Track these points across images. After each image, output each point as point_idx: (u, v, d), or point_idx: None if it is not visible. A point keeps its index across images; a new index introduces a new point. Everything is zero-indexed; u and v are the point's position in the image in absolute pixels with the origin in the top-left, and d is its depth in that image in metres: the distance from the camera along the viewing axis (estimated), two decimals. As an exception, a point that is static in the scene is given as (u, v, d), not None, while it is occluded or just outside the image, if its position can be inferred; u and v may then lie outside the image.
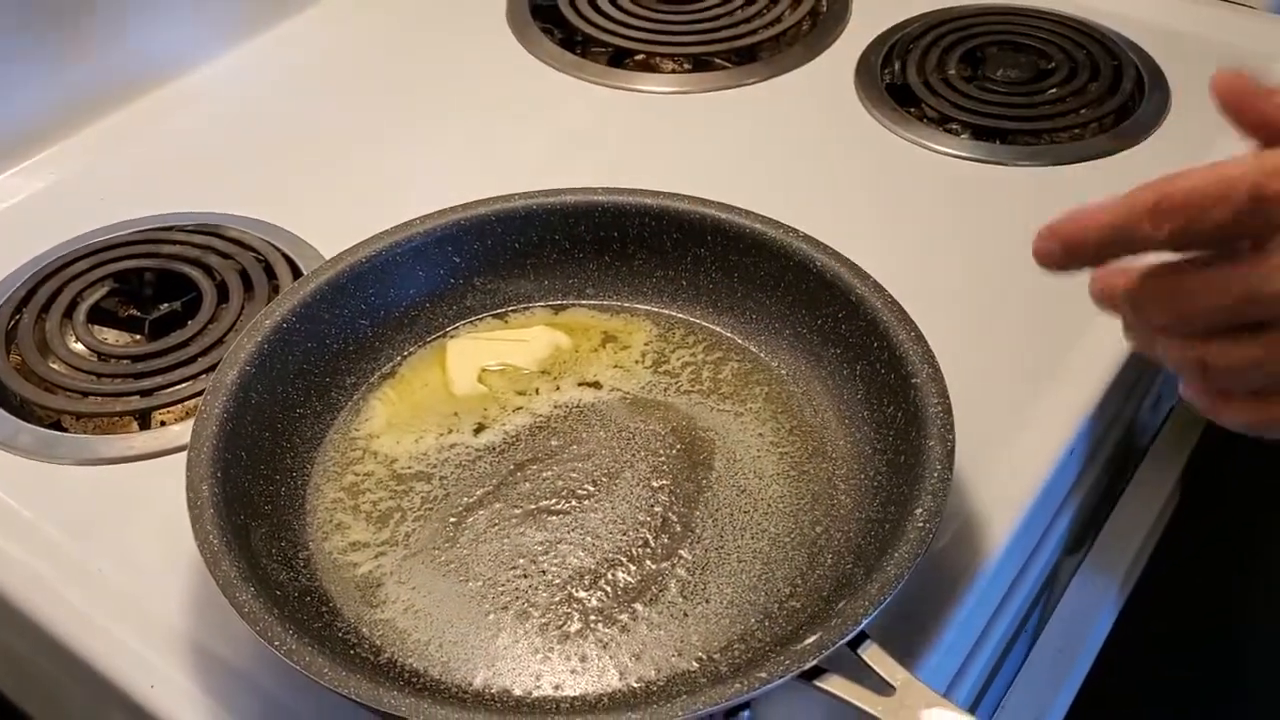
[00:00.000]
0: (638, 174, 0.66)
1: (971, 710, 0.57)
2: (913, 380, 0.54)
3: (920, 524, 0.48)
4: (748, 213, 0.62)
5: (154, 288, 0.71)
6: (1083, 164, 0.79)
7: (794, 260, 0.61)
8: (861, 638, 0.45)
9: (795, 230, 0.61)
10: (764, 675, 0.43)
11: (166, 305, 0.70)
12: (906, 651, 0.48)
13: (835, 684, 0.43)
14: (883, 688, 0.44)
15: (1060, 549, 0.63)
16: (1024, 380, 0.62)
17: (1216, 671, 0.66)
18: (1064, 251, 0.39)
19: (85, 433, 0.63)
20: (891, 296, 0.57)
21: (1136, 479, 0.69)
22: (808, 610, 0.50)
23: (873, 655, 0.44)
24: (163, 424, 0.64)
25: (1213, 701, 0.65)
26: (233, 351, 0.56)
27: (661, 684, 0.48)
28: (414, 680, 0.49)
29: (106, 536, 0.57)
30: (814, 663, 0.43)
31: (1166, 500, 0.69)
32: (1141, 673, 0.68)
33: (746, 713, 0.45)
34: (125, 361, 0.67)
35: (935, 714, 0.42)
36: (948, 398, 0.53)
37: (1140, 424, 0.73)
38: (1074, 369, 0.63)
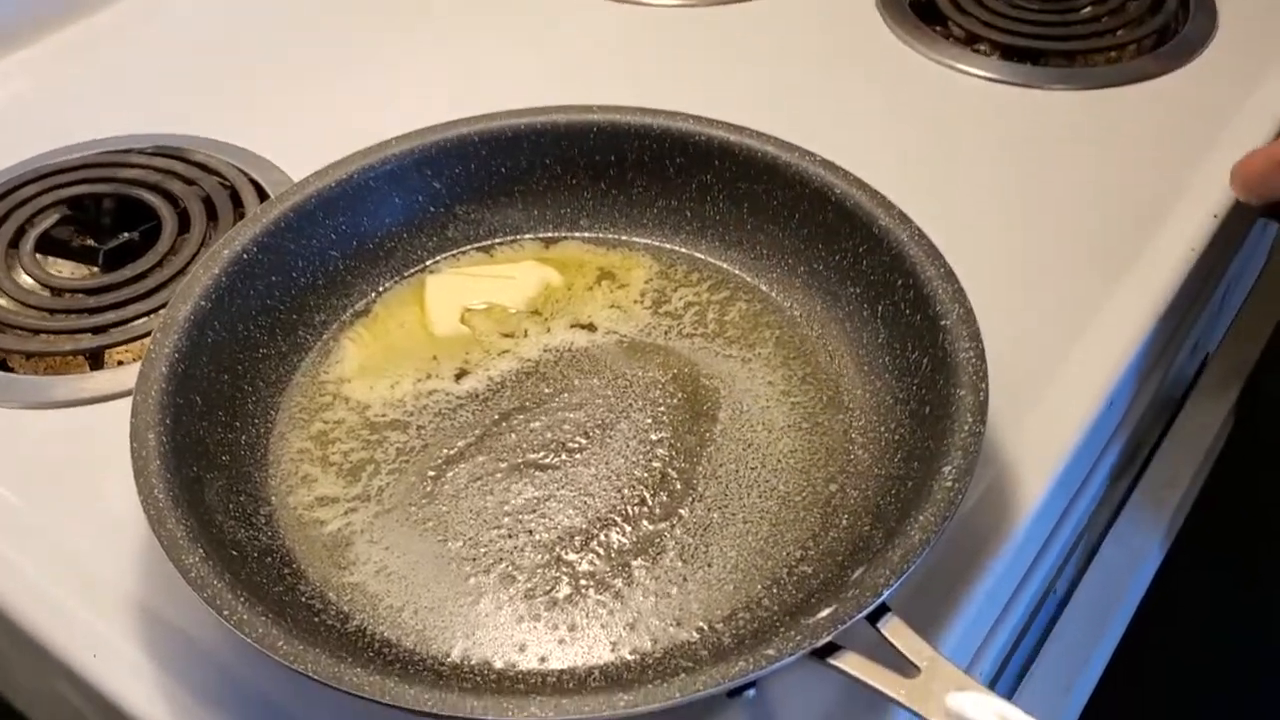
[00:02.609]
0: (639, 93, 0.60)
1: (994, 683, 0.53)
2: (942, 322, 0.48)
3: (948, 483, 0.42)
4: (760, 134, 0.57)
5: (110, 215, 0.66)
6: (1120, 88, 0.73)
7: (810, 188, 0.55)
8: (882, 610, 0.40)
9: (812, 154, 0.55)
10: (772, 653, 0.38)
11: (124, 235, 0.64)
12: (927, 625, 0.43)
13: (852, 663, 0.38)
14: (905, 667, 0.39)
15: (1094, 507, 0.57)
16: (1059, 323, 0.57)
17: (1254, 638, 0.61)
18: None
19: (33, 373, 0.58)
20: (919, 229, 0.52)
21: (1173, 432, 0.63)
22: (820, 576, 0.45)
23: (894, 630, 0.39)
24: (120, 363, 0.59)
25: (1252, 671, 0.61)
26: (186, 284, 0.51)
27: (658, 656, 0.44)
28: (385, 651, 0.44)
29: (51, 487, 0.52)
30: (828, 639, 0.38)
31: (1205, 454, 0.64)
32: (1178, 638, 0.63)
33: (751, 691, 0.40)
34: (78, 296, 0.61)
35: (965, 699, 0.37)
36: (980, 342, 0.47)
37: (1176, 373, 0.68)
38: (1113, 311, 0.57)
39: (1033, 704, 0.53)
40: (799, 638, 0.38)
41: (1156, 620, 0.58)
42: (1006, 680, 0.55)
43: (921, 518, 0.41)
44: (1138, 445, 0.62)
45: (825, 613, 0.39)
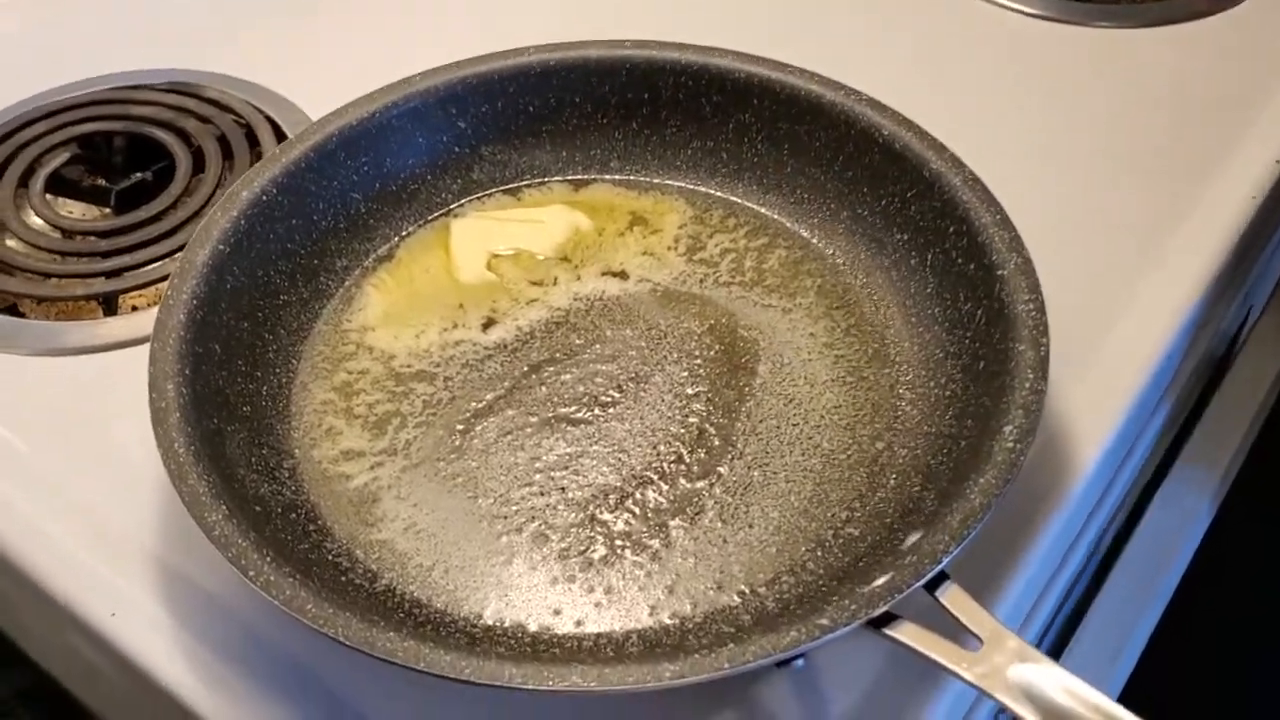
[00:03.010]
0: (672, 26, 0.57)
1: (1040, 647, 0.51)
2: (998, 272, 0.46)
3: (1009, 444, 0.40)
4: (803, 71, 0.54)
5: (122, 154, 0.63)
6: (1171, 26, 0.70)
7: (856, 129, 0.52)
8: (940, 578, 0.38)
9: (858, 93, 0.53)
10: (826, 623, 0.36)
11: (136, 175, 0.62)
12: (980, 590, 0.41)
13: (910, 633, 0.37)
14: (964, 638, 0.37)
15: (1143, 465, 0.55)
16: (1114, 272, 0.54)
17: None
18: None
19: (45, 318, 0.56)
20: (973, 173, 0.49)
21: (1223, 389, 0.61)
22: (868, 539, 0.43)
23: (954, 599, 0.37)
24: (134, 308, 0.57)
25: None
26: (204, 227, 0.49)
27: (698, 621, 0.42)
28: (415, 612, 0.42)
29: (65, 438, 0.50)
30: (885, 608, 0.36)
31: (1256, 410, 0.62)
32: (1228, 597, 0.61)
33: (800, 661, 0.38)
34: (90, 238, 0.59)
35: (1031, 672, 0.35)
36: (1040, 294, 0.45)
37: (1225, 327, 0.65)
38: (1171, 260, 0.55)
39: (1081, 667, 0.52)
40: (854, 607, 0.36)
41: (1206, 580, 0.56)
42: (1049, 643, 0.53)
43: (982, 480, 0.39)
44: (1186, 402, 0.59)
45: (881, 580, 0.37)
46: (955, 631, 0.37)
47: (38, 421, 0.50)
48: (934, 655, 0.36)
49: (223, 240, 0.48)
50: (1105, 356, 0.51)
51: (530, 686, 0.35)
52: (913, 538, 0.40)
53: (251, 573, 0.38)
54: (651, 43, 0.56)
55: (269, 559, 0.38)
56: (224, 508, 0.40)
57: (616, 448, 0.47)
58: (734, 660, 0.35)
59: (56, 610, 0.45)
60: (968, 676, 0.35)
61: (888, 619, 0.37)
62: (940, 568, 0.37)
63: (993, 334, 0.45)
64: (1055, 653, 0.51)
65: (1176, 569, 0.55)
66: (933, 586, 0.38)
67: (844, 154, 0.53)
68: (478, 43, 0.57)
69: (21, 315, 0.56)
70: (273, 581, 0.37)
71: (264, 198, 0.50)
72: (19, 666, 0.54)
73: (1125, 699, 0.35)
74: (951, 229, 0.49)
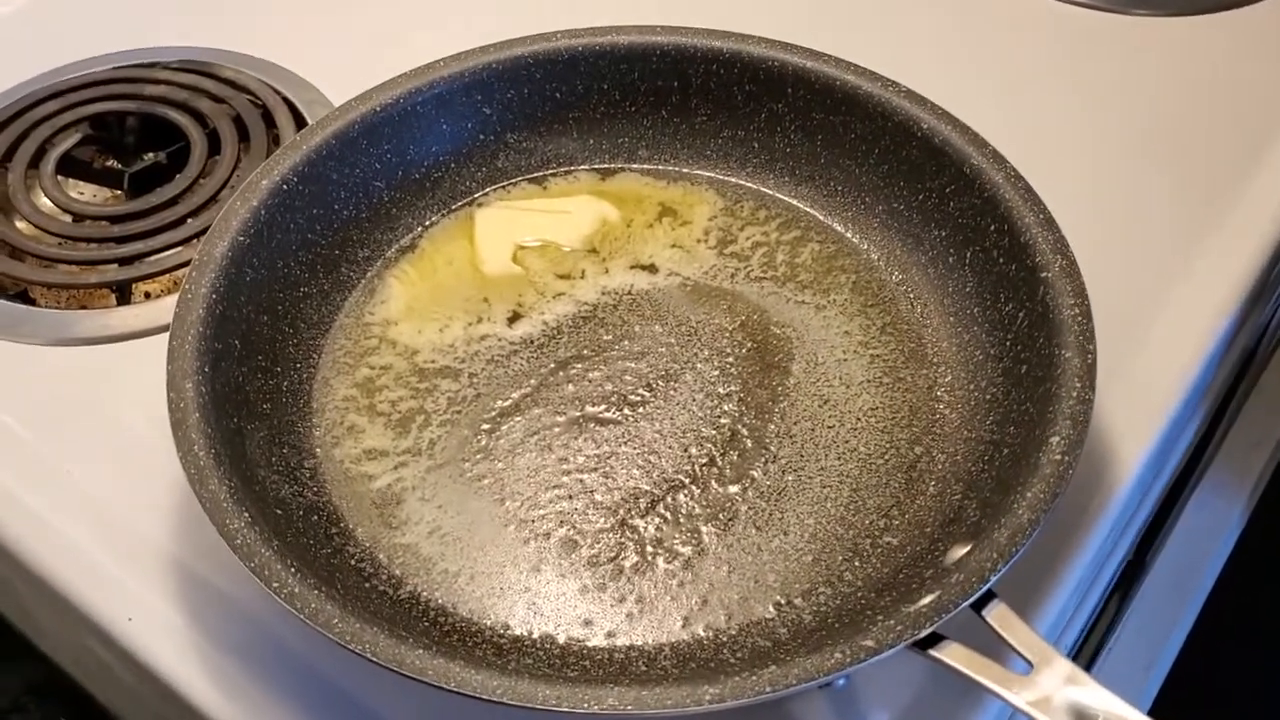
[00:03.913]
0: (703, 11, 0.56)
1: (1075, 660, 0.50)
2: (1042, 274, 0.44)
3: (1057, 456, 0.39)
4: (839, 61, 0.52)
5: (135, 135, 0.61)
6: (1213, 15, 0.68)
7: (893, 121, 0.51)
8: (987, 597, 0.37)
9: (895, 84, 0.51)
10: (871, 644, 0.35)
11: (150, 156, 0.60)
12: (1020, 606, 0.40)
13: (957, 655, 0.35)
14: (1010, 658, 0.36)
15: (1179, 468, 0.54)
16: (1155, 271, 0.53)
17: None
18: None
19: (56, 306, 0.55)
20: (1015, 170, 0.47)
21: (1259, 389, 0.60)
22: (907, 549, 0.42)
23: (1001, 619, 0.36)
24: (147, 296, 0.55)
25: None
26: (223, 218, 0.47)
27: (733, 634, 0.41)
28: (440, 621, 0.41)
29: (79, 432, 0.48)
30: (931, 629, 0.35)
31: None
32: (1266, 604, 0.60)
33: (842, 681, 0.37)
34: (102, 223, 0.57)
35: (1081, 696, 0.34)
36: (1086, 299, 0.43)
37: (1260, 327, 0.64)
38: (1213, 258, 0.53)
39: (1114, 675, 0.51)
40: (900, 628, 0.35)
41: (1240, 586, 0.55)
42: (1083, 651, 0.52)
43: (1029, 494, 0.38)
44: (1222, 404, 0.58)
45: (928, 600, 0.35)
46: (998, 649, 0.36)
47: (49, 414, 0.49)
48: (982, 679, 0.35)
49: (242, 231, 0.47)
50: (1144, 361, 0.49)
51: (565, 709, 0.34)
52: (957, 552, 0.39)
53: (275, 584, 0.37)
54: (682, 29, 0.54)
55: (293, 570, 0.37)
56: (246, 514, 0.38)
57: (647, 449, 0.46)
58: (776, 684, 0.34)
59: (71, 612, 0.44)
60: (1018, 702, 0.34)
61: (933, 639, 0.36)
62: (988, 586, 0.36)
63: (1036, 338, 0.44)
64: (1089, 662, 0.50)
65: (1210, 574, 0.54)
66: (979, 605, 0.36)
67: (880, 146, 0.51)
68: (502, 25, 0.55)
69: (33, 302, 0.55)
70: (297, 594, 0.36)
71: (284, 187, 0.49)
72: (29, 660, 0.53)
73: (1158, 708, 0.34)
74: (993, 227, 0.47)
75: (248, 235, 0.47)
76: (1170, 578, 0.53)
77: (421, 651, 0.35)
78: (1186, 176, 0.57)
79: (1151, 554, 0.54)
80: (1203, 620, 0.53)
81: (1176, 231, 0.55)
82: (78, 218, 0.58)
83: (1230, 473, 0.57)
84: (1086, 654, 0.51)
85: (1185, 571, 0.54)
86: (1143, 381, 0.49)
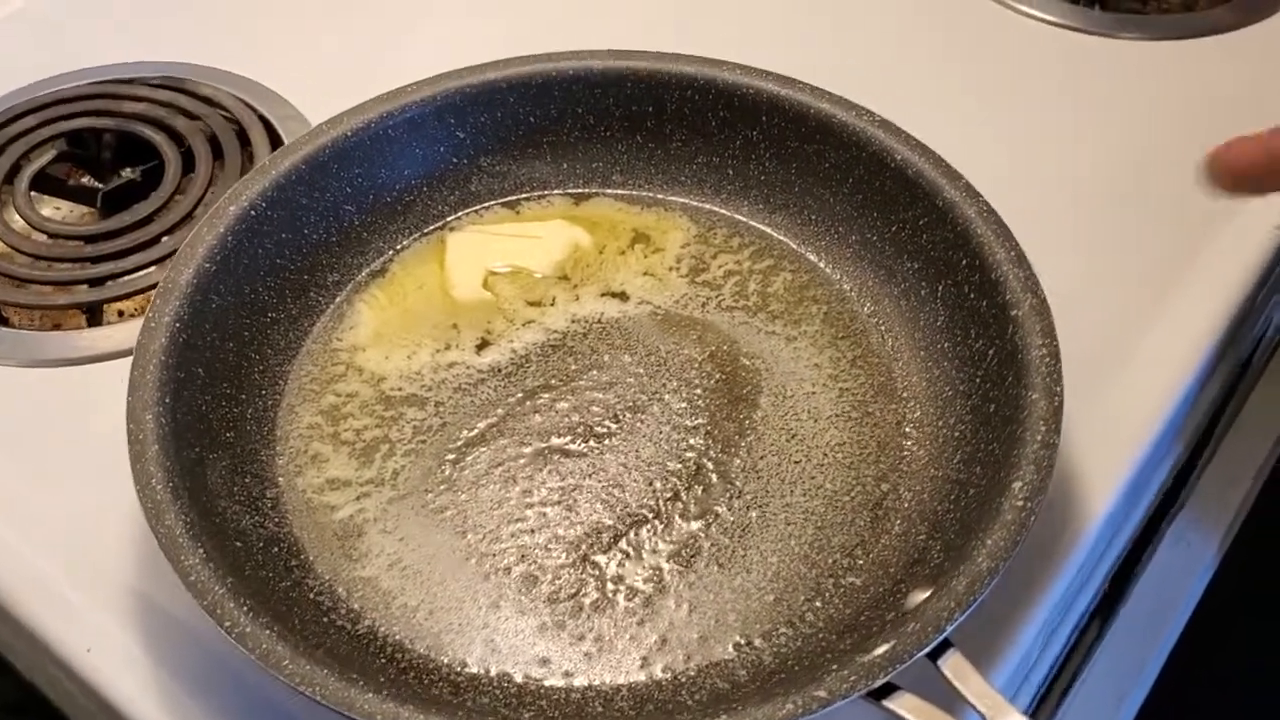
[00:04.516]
0: (679, 37, 0.55)
1: (1043, 700, 0.49)
2: (1012, 312, 0.44)
3: (1019, 502, 0.39)
4: (813, 89, 0.52)
5: (111, 151, 0.61)
6: (1196, 40, 0.67)
7: (867, 151, 0.50)
8: (943, 646, 0.36)
9: (870, 113, 0.51)
10: (823, 695, 0.35)
11: (125, 173, 0.60)
12: (979, 653, 0.40)
13: (909, 705, 0.35)
14: (962, 709, 0.36)
15: (1152, 507, 0.54)
16: (1130, 307, 0.53)
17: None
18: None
19: (30, 326, 0.55)
20: (988, 204, 0.47)
21: (1238, 424, 0.59)
22: (870, 590, 0.42)
23: (956, 669, 0.36)
24: (120, 315, 0.55)
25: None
26: (189, 244, 0.47)
27: (692, 675, 0.40)
28: (397, 658, 0.41)
29: (43, 457, 0.48)
30: (885, 679, 0.35)
31: (1269, 451, 0.60)
32: (1239, 642, 0.60)
33: (795, 726, 0.37)
34: (74, 243, 0.57)
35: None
36: (1055, 339, 0.43)
37: (1238, 362, 0.63)
38: (1188, 296, 0.53)
39: (1084, 713, 0.50)
40: (853, 678, 0.35)
41: (1214, 627, 0.55)
42: (1051, 697, 0.52)
43: (990, 541, 0.38)
44: (1199, 441, 0.57)
45: (882, 650, 0.35)
46: (953, 700, 0.36)
47: (10, 437, 0.49)
48: (934, 731, 0.34)
49: (208, 259, 0.47)
50: (1116, 400, 0.49)
51: (511, 757, 0.34)
52: (917, 596, 0.38)
53: (228, 623, 0.36)
54: (657, 54, 0.54)
55: (246, 608, 0.37)
56: (201, 550, 0.38)
57: (611, 483, 0.46)
58: (726, 731, 0.34)
59: (32, 639, 0.44)
60: (969, 757, 0.34)
61: (888, 689, 0.35)
62: (943, 636, 0.36)
63: (1005, 376, 0.44)
64: (1058, 701, 0.50)
65: (1183, 613, 0.53)
66: (935, 654, 0.36)
67: (854, 176, 0.51)
68: (479, 44, 0.55)
69: (6, 321, 0.55)
70: (249, 633, 0.36)
71: (252, 212, 0.49)
72: (6, 678, 0.53)
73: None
74: (964, 262, 0.47)
75: (213, 262, 0.47)
76: (1142, 616, 0.53)
77: (372, 695, 0.35)
78: (1165, 208, 0.57)
79: (1125, 590, 0.54)
80: (1173, 661, 0.53)
81: (1154, 268, 0.54)
82: (51, 236, 0.57)
83: (1206, 510, 0.57)
84: (1056, 693, 0.51)
85: (1158, 610, 0.53)
86: (1114, 422, 0.48)
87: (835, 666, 0.35)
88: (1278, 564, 0.60)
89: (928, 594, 0.37)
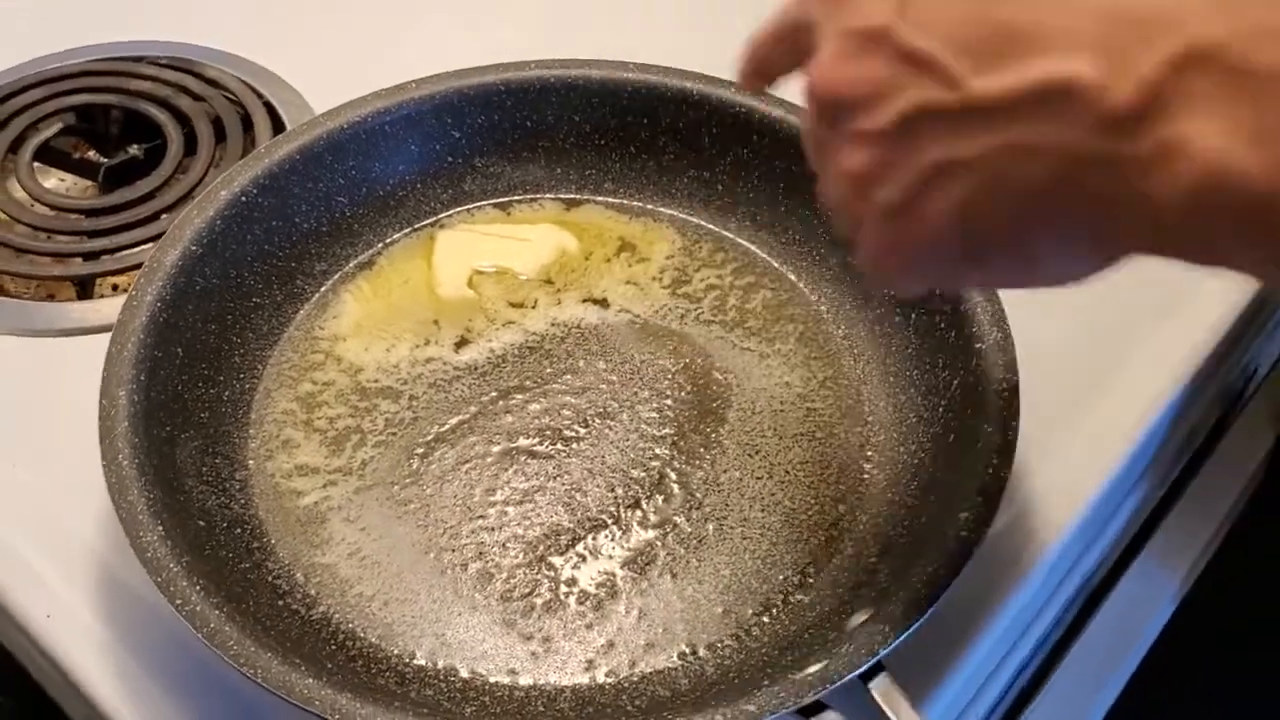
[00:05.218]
0: (681, 51, 0.56)
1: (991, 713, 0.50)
2: (977, 345, 0.45)
3: (963, 532, 0.39)
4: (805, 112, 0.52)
5: (117, 126, 0.62)
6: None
7: (851, 178, 0.51)
8: (877, 669, 0.37)
9: (857, 141, 0.51)
10: (753, 709, 0.35)
11: (128, 150, 0.61)
12: (916, 678, 0.40)
13: (837, 725, 0.36)
14: (893, 733, 0.36)
15: (1112, 549, 0.54)
16: (1100, 342, 0.53)
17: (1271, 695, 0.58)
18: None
19: (25, 296, 0.56)
20: (964, 238, 0.47)
21: (1207, 468, 0.60)
22: (817, 609, 0.42)
23: (885, 694, 0.37)
24: (115, 289, 0.56)
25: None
26: (177, 226, 0.48)
27: (634, 681, 0.41)
28: (347, 645, 0.41)
29: (23, 426, 0.49)
30: (814, 698, 0.36)
31: (1243, 488, 0.60)
32: (1195, 677, 0.60)
33: (726, 737, 0.37)
34: (74, 216, 0.58)
35: (955, 779, 0.35)
36: (1016, 374, 0.44)
37: (1212, 404, 0.63)
38: (1165, 336, 0.53)
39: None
40: (783, 694, 0.35)
41: (1173, 661, 0.55)
42: (1003, 710, 0.52)
43: (931, 569, 0.38)
44: (1168, 478, 0.58)
45: (814, 669, 0.36)
46: (884, 724, 0.36)
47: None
48: (858, 754, 0.35)
49: (195, 241, 0.48)
50: (1083, 433, 0.49)
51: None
52: (858, 617, 0.39)
53: (179, 600, 0.37)
54: (655, 67, 0.54)
55: (199, 586, 0.38)
56: (161, 528, 0.39)
57: (574, 487, 0.46)
58: (654, 739, 0.35)
59: (-4, 603, 0.45)
60: (887, 782, 0.34)
61: (817, 708, 0.36)
62: (876, 660, 0.36)
63: (965, 408, 0.44)
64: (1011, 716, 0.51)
65: (1141, 647, 0.54)
66: (868, 676, 0.37)
67: (839, 200, 0.52)
68: (484, 42, 0.56)
69: (1, 289, 0.56)
70: (198, 612, 0.37)
71: (244, 198, 0.49)
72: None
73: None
74: (937, 291, 0.47)
75: (200, 245, 0.48)
76: (1100, 648, 0.53)
77: (312, 680, 0.36)
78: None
79: (1085, 620, 0.54)
80: (1128, 693, 0.53)
81: (1128, 305, 0.54)
82: (50, 208, 0.58)
83: (1171, 546, 0.57)
84: (1010, 708, 0.51)
85: (1112, 649, 0.54)
86: (1076, 459, 0.49)
87: (768, 682, 0.36)
88: (1241, 605, 0.61)
89: (867, 616, 0.38)
